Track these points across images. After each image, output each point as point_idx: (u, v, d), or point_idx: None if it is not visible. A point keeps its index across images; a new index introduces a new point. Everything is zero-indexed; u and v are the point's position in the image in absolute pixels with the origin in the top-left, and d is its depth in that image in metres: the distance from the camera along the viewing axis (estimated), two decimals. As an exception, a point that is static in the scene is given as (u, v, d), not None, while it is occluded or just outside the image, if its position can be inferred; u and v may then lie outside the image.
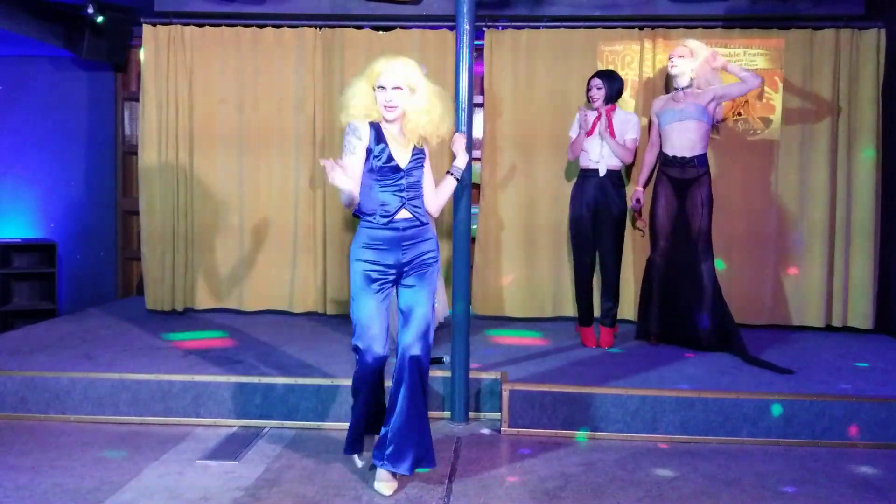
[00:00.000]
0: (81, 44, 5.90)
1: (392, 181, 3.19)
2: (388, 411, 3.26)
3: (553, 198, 5.69)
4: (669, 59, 4.94)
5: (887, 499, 3.25)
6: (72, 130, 6.59)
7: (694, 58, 4.86)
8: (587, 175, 5.01)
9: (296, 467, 3.48)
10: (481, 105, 5.80)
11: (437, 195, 3.36)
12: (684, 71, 4.87)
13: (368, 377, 3.24)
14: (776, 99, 5.61)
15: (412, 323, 3.21)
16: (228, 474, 3.38)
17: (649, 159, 5.17)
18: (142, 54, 5.86)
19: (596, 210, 4.98)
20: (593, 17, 5.70)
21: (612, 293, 5.09)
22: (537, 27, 5.73)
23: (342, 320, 5.68)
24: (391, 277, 3.23)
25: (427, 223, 3.31)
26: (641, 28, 5.67)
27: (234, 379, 4.07)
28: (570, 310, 5.72)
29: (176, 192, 5.82)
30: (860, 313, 5.55)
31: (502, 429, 3.98)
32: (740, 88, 4.86)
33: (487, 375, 4.21)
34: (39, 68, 6.57)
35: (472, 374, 4.14)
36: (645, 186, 5.21)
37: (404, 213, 3.22)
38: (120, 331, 5.29)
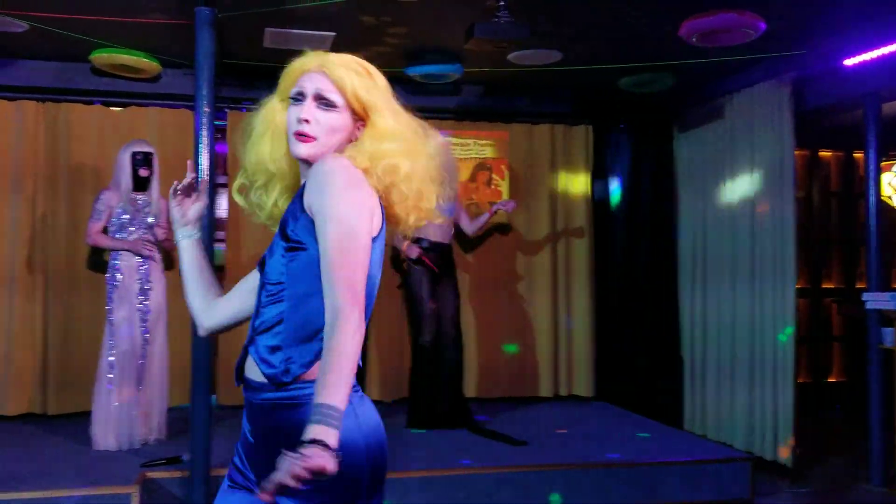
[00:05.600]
0: None
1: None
2: None
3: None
4: None
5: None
6: None
7: None
8: None
9: None
10: (225, 185, 5.68)
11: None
12: None
13: None
14: (503, 185, 6.12)
15: None
16: None
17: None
18: None
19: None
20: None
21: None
22: (281, 112, 5.75)
23: (64, 420, 5.13)
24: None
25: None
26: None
27: (-76, 502, 3.51)
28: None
29: None
30: (583, 383, 6.10)
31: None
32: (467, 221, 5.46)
33: (231, 472, 4.00)
34: None
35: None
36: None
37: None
38: None
